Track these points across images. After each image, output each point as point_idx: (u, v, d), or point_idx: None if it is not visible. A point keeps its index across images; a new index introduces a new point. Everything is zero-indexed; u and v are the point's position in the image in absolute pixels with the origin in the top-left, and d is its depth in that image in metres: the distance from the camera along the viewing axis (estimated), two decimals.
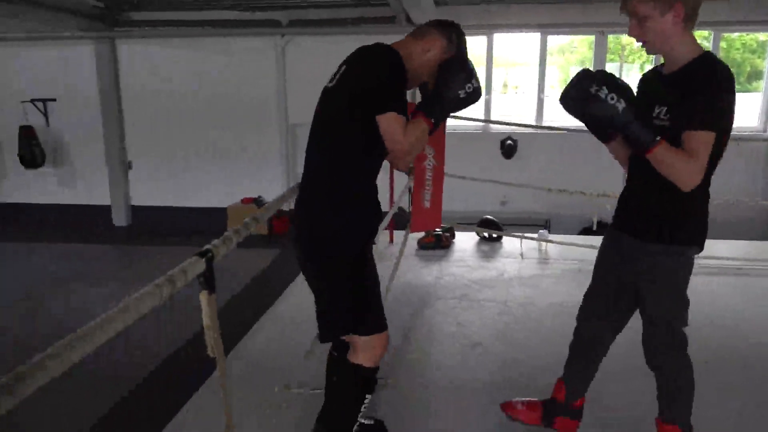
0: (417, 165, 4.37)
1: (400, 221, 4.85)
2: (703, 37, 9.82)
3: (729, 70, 1.73)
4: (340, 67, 1.90)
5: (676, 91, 1.73)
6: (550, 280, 4.18)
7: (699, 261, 1.86)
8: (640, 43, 1.84)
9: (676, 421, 2.05)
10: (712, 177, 1.83)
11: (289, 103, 9.66)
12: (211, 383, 2.63)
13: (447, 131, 4.55)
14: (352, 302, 1.87)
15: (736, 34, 9.69)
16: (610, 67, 10.72)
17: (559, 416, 2.28)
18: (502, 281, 4.16)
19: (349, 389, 2.00)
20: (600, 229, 6.98)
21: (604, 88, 1.68)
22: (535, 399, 2.36)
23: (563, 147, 9.25)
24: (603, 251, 2.15)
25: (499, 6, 9.21)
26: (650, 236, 1.90)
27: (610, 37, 10.09)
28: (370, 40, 1.96)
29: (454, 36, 2.02)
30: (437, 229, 4.84)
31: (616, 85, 1.71)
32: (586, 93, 1.70)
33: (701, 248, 1.91)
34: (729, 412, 2.50)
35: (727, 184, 8.48)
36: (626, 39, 10.40)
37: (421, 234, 4.85)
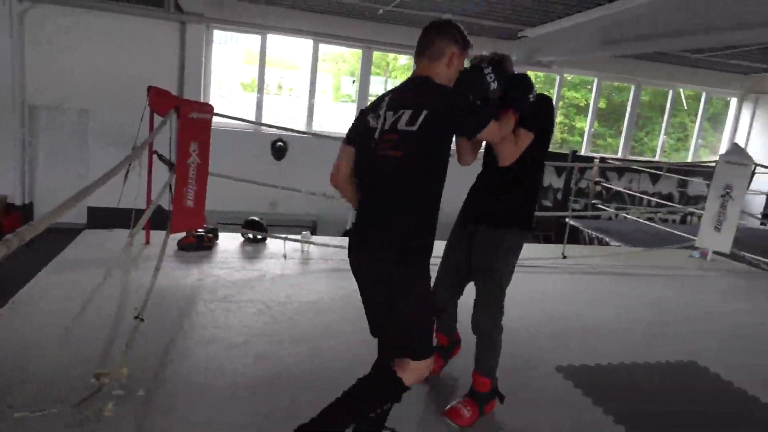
0: (180, 162, 4.18)
1: (159, 220, 4.58)
2: None
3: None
4: (404, 110, 2.01)
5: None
6: (310, 278, 4.38)
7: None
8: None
9: (489, 374, 2.67)
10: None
11: (28, 81, 8.37)
12: None
13: (216, 128, 4.45)
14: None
15: None
16: (375, 81, 11.64)
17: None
18: (264, 282, 4.21)
19: (386, 399, 2.13)
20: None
21: (491, 68, 2.28)
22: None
23: (332, 152, 9.68)
24: (454, 235, 2.78)
25: (277, 8, 9.29)
26: (501, 224, 2.57)
27: (377, 54, 10.95)
28: (133, 21, 1.85)
29: (459, 35, 2.18)
30: (199, 230, 4.69)
31: (498, 71, 2.28)
32: (479, 68, 2.30)
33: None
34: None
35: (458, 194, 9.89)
36: (391, 56, 11.41)
37: (182, 234, 4.66)
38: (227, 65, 10.95)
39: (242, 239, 5.15)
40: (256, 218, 5.30)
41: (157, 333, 3.18)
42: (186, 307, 3.63)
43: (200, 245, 4.74)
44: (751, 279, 5.82)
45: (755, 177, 10.74)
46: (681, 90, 12.18)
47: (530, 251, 6.30)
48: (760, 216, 10.30)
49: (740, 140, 12.28)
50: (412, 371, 2.08)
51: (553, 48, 9.55)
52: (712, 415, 2.98)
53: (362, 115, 2.20)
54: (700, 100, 12.38)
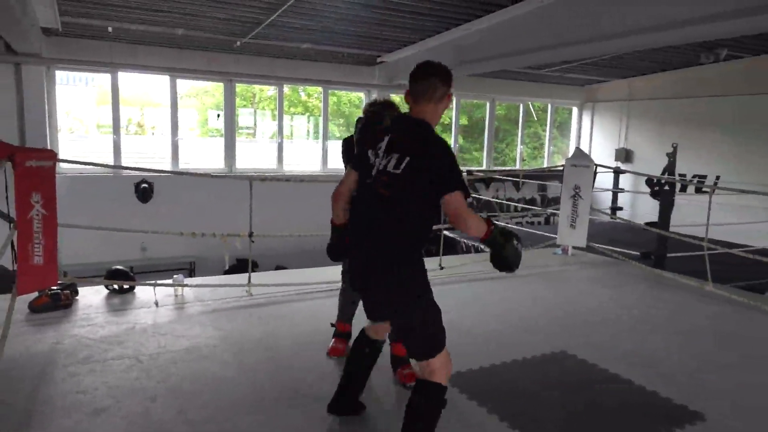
0: (20, 216, 3.76)
1: (3, 282, 4.08)
2: (315, 91, 11.40)
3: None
4: (394, 154, 2.33)
5: None
6: (185, 324, 4.12)
7: None
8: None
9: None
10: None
11: None
12: None
13: (69, 175, 4.08)
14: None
15: (343, 92, 11.56)
16: (243, 112, 11.43)
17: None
18: (133, 334, 3.90)
19: (437, 408, 2.37)
20: (240, 264, 7.25)
21: None
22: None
23: (201, 189, 9.33)
24: None
25: (125, 44, 8.82)
26: None
27: (243, 86, 10.77)
28: None
29: (448, 77, 2.44)
30: (53, 288, 4.25)
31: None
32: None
33: None
34: None
35: None
36: (257, 88, 11.28)
37: (34, 295, 4.19)
38: (79, 107, 10.17)
39: (107, 292, 4.75)
40: (120, 267, 4.91)
41: (9, 410, 2.81)
42: (42, 375, 3.24)
43: (56, 304, 4.29)
44: (605, 267, 6.42)
45: (604, 175, 12.00)
46: (530, 103, 13.31)
47: None
48: (609, 211, 11.45)
49: (584, 144, 13.64)
50: (442, 367, 2.39)
51: (410, 71, 9.99)
52: (582, 398, 3.21)
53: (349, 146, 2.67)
54: (547, 111, 13.61)
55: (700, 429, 2.90)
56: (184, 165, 9.74)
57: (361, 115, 3.46)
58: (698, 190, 9.88)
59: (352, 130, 3.66)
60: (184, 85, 10.44)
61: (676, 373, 3.57)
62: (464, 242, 9.39)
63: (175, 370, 3.36)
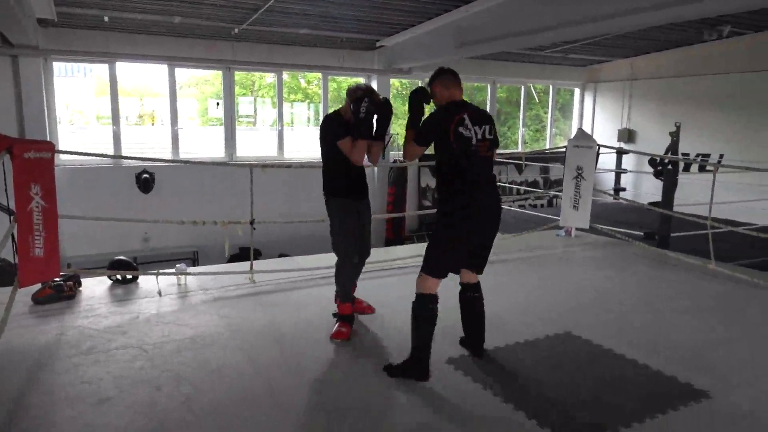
0: (20, 208, 3.75)
1: (5, 275, 4.09)
2: (314, 77, 11.32)
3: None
4: (484, 125, 3.12)
5: None
6: (188, 313, 4.13)
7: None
8: None
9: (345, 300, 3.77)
10: None
11: None
12: None
13: (70, 167, 4.06)
14: None
15: (343, 77, 11.47)
16: (243, 101, 11.38)
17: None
18: (137, 324, 3.90)
19: None
20: (243, 252, 7.24)
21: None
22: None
23: (202, 178, 9.32)
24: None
25: (122, 34, 8.76)
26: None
27: (242, 74, 10.70)
28: None
29: None
30: (56, 279, 4.26)
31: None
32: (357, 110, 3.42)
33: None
34: None
35: None
36: (257, 75, 11.21)
37: (37, 287, 4.19)
38: (78, 98, 10.14)
39: (110, 282, 4.75)
40: (122, 257, 4.91)
41: (13, 401, 2.82)
42: (46, 366, 3.26)
43: (60, 296, 4.29)
44: (609, 248, 6.40)
45: (607, 156, 11.92)
46: (531, 85, 13.19)
47: (413, 250, 6.46)
48: (612, 191, 11.40)
49: (586, 125, 13.55)
50: None
51: (410, 55, 9.91)
52: (587, 379, 3.21)
53: (447, 126, 3.07)
54: (549, 93, 13.49)
55: (705, 406, 2.90)
56: (184, 154, 9.72)
57: (355, 96, 3.49)
58: (701, 169, 9.81)
59: None
60: (183, 74, 10.38)
61: (680, 351, 3.56)
62: None
63: (180, 359, 3.37)
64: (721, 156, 10.53)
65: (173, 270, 4.81)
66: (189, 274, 4.84)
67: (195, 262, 9.27)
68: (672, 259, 5.81)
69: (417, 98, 3.24)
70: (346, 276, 3.77)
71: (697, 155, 10.82)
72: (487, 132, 3.11)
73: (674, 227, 6.68)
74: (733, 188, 8.08)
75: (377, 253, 6.98)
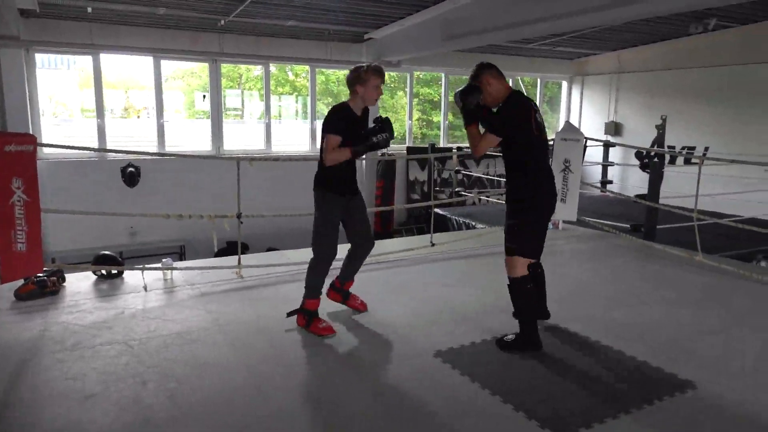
0: (2, 203, 3.68)
1: None
2: (302, 70, 11.25)
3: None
4: (536, 112, 3.35)
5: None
6: (175, 308, 4.09)
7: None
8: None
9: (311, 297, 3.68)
10: None
11: None
12: None
13: (53, 160, 3.99)
14: None
15: (331, 70, 11.41)
16: (231, 93, 11.28)
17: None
18: (122, 320, 3.86)
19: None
20: (231, 247, 7.20)
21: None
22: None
23: (189, 171, 9.24)
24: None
25: (106, 25, 8.63)
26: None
27: (229, 66, 10.61)
28: None
29: None
30: (40, 275, 4.19)
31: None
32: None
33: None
34: None
35: None
36: (243, 68, 11.11)
37: (19, 283, 4.13)
38: (61, 90, 9.98)
39: (95, 277, 4.69)
40: (107, 252, 4.85)
41: None
42: (30, 363, 3.21)
43: (43, 291, 4.23)
44: (596, 240, 6.43)
45: (594, 149, 11.98)
46: (519, 78, 13.21)
47: (401, 243, 6.47)
48: (599, 184, 11.46)
49: (574, 118, 13.60)
50: None
51: (399, 47, 9.87)
52: (574, 370, 3.22)
53: (529, 114, 3.29)
54: (537, 86, 13.52)
55: (690, 397, 2.92)
56: (170, 148, 9.63)
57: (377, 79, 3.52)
58: (687, 162, 9.90)
59: None
60: (169, 66, 10.26)
61: (666, 342, 3.59)
62: (455, 219, 9.38)
63: (166, 355, 3.33)
64: (707, 149, 10.63)
65: (159, 265, 4.76)
66: (175, 269, 4.80)
67: (182, 256, 9.21)
68: (658, 251, 5.86)
69: (475, 95, 3.32)
70: (321, 273, 3.66)
71: (683, 148, 10.91)
72: (542, 119, 3.41)
73: (660, 219, 6.73)
74: (718, 180, 8.15)
75: None
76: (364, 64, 3.55)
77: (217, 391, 2.93)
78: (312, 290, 3.68)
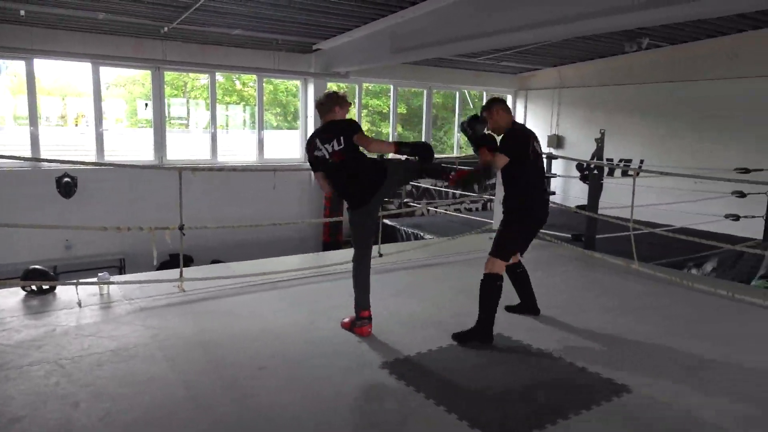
0: None
1: None
2: (250, 80, 11.11)
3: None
4: (535, 140, 4.01)
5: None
6: (111, 324, 3.92)
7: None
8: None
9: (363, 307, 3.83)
10: None
11: None
12: None
13: None
14: None
15: (280, 80, 11.30)
16: (175, 102, 11.00)
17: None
18: (53, 337, 3.66)
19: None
20: (174, 259, 6.99)
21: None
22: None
23: (129, 182, 8.93)
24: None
25: (42, 29, 8.26)
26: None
27: (174, 74, 10.34)
28: None
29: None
30: None
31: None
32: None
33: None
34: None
35: (282, 207, 9.80)
36: (191, 76, 10.86)
37: None
38: None
39: (24, 293, 4.45)
40: (38, 266, 4.60)
41: None
42: None
43: None
44: (539, 250, 6.57)
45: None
46: (466, 91, 13.48)
47: (349, 254, 6.43)
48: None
49: None
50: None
51: (347, 59, 9.90)
52: (516, 378, 3.28)
53: (528, 141, 3.92)
54: (483, 99, 13.82)
55: (625, 400, 3.02)
56: (111, 157, 9.27)
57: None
58: (624, 174, 10.33)
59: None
60: (110, 73, 9.92)
61: (604, 348, 3.71)
62: (404, 230, 9.44)
63: (100, 373, 3.19)
64: (642, 161, 11.13)
65: (95, 279, 4.56)
66: (112, 283, 4.60)
67: (122, 270, 8.86)
68: (598, 259, 6.07)
69: (482, 125, 3.89)
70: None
71: (621, 160, 11.38)
72: (540, 147, 4.01)
73: (600, 229, 6.98)
74: (653, 192, 8.53)
75: (312, 258, 6.92)
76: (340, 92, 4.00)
77: (153, 411, 2.82)
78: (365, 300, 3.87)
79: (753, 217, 8.64)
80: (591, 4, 5.80)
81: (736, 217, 8.82)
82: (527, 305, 4.33)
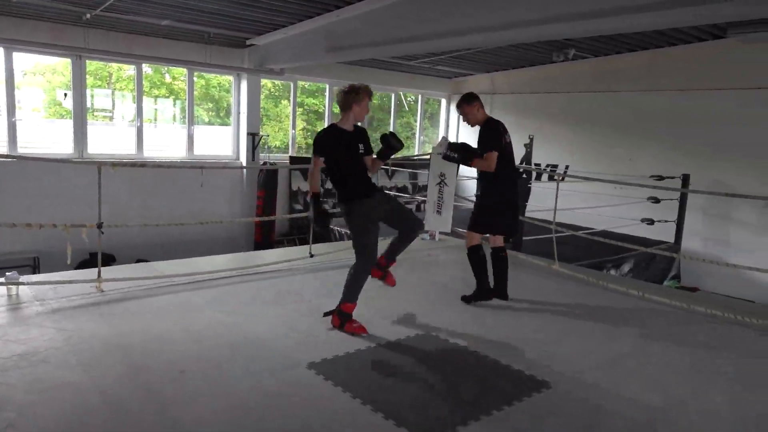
0: None
1: None
2: (181, 73, 10.73)
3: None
4: (506, 132, 4.59)
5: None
6: (20, 327, 3.67)
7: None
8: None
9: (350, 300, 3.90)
10: None
11: None
12: None
13: None
14: None
15: (212, 75, 10.96)
16: (99, 93, 10.43)
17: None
18: None
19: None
20: (94, 258, 6.63)
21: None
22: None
23: (44, 176, 8.41)
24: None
25: None
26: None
27: (99, 64, 9.81)
28: None
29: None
30: None
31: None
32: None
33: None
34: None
35: (213, 206, 9.52)
36: (115, 66, 10.33)
37: None
38: None
39: None
40: None
41: None
42: None
43: None
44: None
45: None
46: (402, 93, 13.61)
47: (280, 254, 6.34)
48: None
49: (452, 134, 14.26)
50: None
51: (282, 56, 9.75)
52: (441, 375, 3.34)
53: (500, 134, 4.52)
54: (418, 102, 14.01)
55: (545, 395, 3.14)
56: (24, 149, 8.69)
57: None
58: (551, 178, 10.75)
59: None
60: (27, 60, 9.29)
61: (527, 346, 3.84)
62: (337, 230, 9.41)
63: (5, 379, 2.97)
64: (567, 167, 11.63)
65: (2, 279, 4.26)
66: (22, 283, 4.32)
67: (35, 269, 8.32)
68: (523, 260, 6.28)
69: (461, 150, 4.51)
70: (364, 279, 3.95)
71: (548, 165, 11.85)
72: (509, 137, 4.51)
73: (526, 231, 7.23)
74: (577, 196, 8.93)
75: (242, 258, 6.76)
76: (356, 84, 3.86)
77: (63, 419, 2.66)
78: (352, 295, 3.89)
79: (666, 221, 9.23)
80: (521, 13, 6.01)
81: (651, 221, 9.38)
82: (497, 289, 4.74)
